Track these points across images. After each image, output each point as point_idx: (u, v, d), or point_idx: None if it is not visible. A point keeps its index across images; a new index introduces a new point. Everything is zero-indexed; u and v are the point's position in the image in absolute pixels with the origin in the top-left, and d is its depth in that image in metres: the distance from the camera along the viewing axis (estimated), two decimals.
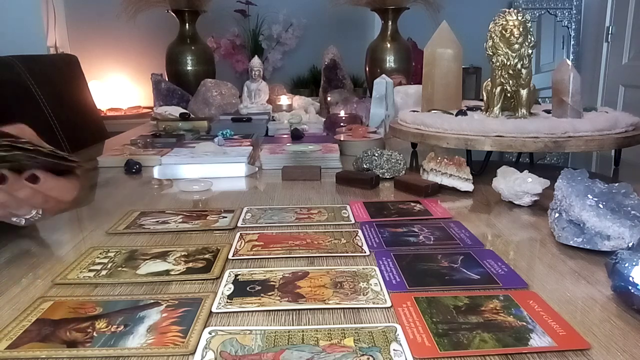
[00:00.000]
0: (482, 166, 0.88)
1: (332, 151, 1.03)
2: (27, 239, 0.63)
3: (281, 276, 0.50)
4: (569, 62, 0.89)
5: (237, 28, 2.66)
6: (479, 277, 0.49)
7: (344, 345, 0.38)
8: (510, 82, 0.88)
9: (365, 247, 0.58)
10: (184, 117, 1.51)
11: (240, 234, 0.62)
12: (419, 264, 0.53)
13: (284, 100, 1.82)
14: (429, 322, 0.41)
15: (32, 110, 1.41)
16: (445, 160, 0.80)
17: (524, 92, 0.89)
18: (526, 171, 0.72)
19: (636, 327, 0.40)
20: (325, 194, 0.81)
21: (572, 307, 0.44)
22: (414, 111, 1.03)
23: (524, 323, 0.41)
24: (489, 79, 0.92)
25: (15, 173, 0.55)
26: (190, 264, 0.53)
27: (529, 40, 0.85)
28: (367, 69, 2.09)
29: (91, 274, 0.51)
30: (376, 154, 0.89)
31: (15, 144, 0.53)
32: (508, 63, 0.86)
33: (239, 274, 0.50)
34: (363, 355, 0.37)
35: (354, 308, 0.44)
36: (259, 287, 0.48)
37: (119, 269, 0.53)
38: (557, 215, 0.59)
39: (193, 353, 0.37)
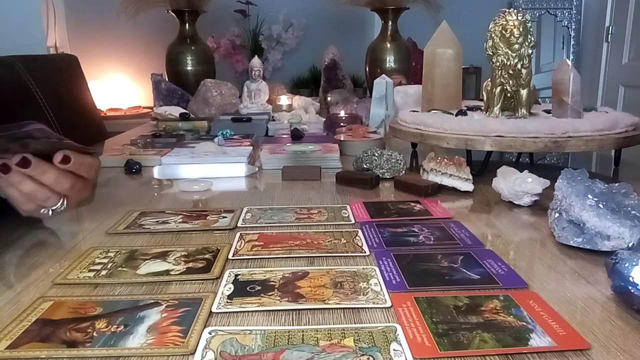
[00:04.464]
0: (482, 166, 0.88)
1: (332, 151, 1.02)
2: (27, 239, 0.63)
3: (281, 276, 0.50)
4: (569, 62, 0.89)
5: (237, 28, 2.66)
6: (479, 277, 0.49)
7: (344, 345, 0.38)
8: (510, 82, 0.88)
9: (365, 247, 0.57)
10: (184, 117, 1.51)
11: (240, 234, 0.62)
12: (419, 264, 0.53)
13: (284, 100, 1.82)
14: (429, 322, 0.41)
15: (32, 110, 1.40)
16: (445, 160, 0.80)
17: (524, 92, 0.89)
18: (526, 171, 0.72)
19: (636, 327, 0.40)
20: (325, 194, 0.81)
21: (572, 307, 0.44)
22: (414, 111, 1.03)
23: (524, 323, 0.41)
24: (489, 79, 0.92)
25: (40, 158, 0.56)
26: (190, 264, 0.53)
27: (529, 40, 0.85)
28: (367, 69, 2.09)
29: (91, 274, 0.51)
30: (376, 154, 0.89)
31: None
32: (508, 63, 0.86)
33: (239, 274, 0.50)
34: (363, 355, 0.37)
35: (354, 308, 0.44)
36: (259, 287, 0.48)
37: (119, 269, 0.53)
38: (557, 215, 0.59)
39: (193, 353, 0.37)
